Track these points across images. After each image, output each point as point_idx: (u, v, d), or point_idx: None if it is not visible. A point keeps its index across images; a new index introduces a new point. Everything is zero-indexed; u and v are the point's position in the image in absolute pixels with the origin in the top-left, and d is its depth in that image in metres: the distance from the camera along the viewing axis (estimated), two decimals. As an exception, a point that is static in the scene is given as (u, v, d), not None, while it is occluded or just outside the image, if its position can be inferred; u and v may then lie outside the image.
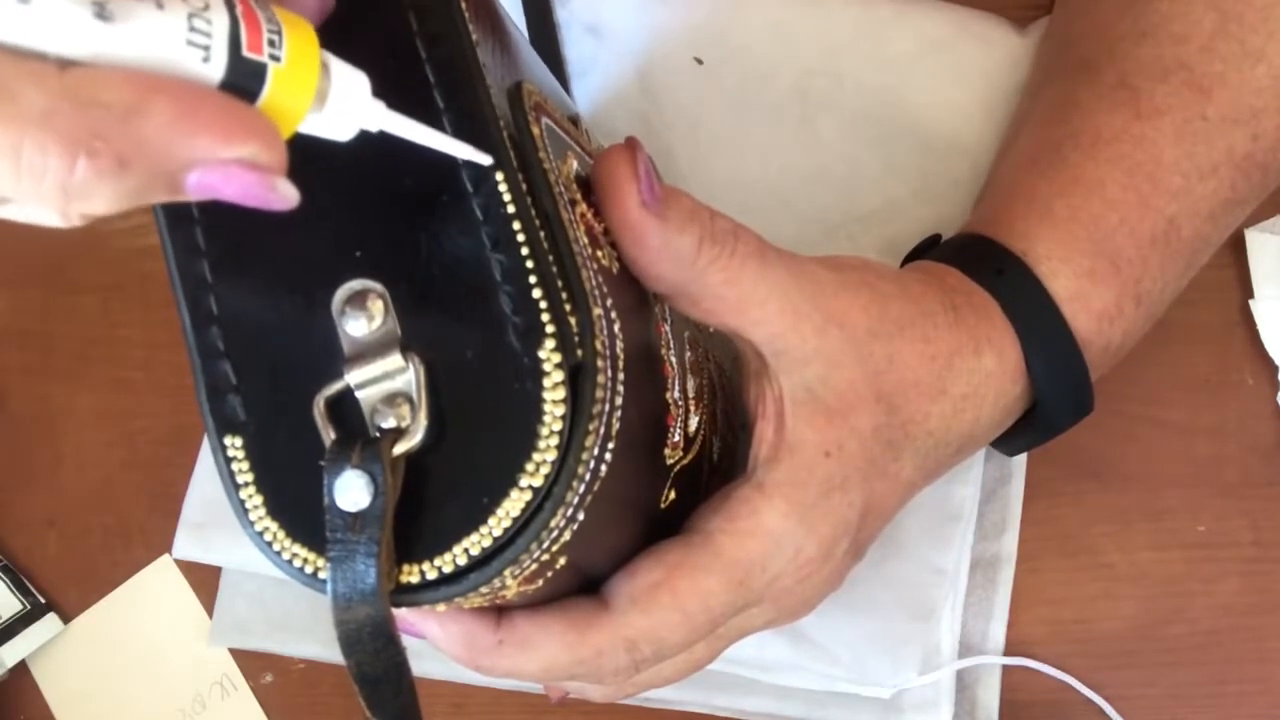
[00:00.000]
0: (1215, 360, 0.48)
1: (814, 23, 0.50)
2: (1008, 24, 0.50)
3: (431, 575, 0.26)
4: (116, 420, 0.54)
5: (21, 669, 0.52)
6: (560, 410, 0.26)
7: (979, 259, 0.39)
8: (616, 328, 0.28)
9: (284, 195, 0.22)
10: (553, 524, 0.26)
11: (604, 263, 0.29)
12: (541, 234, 0.26)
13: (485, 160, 0.26)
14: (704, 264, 0.32)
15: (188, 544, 0.51)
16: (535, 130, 0.29)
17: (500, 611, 0.32)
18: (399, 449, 0.26)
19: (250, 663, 0.51)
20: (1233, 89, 0.39)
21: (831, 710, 0.46)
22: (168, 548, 0.52)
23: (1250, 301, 0.47)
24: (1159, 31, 0.40)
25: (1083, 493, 0.48)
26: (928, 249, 0.43)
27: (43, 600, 0.53)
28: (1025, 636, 0.47)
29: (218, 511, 0.50)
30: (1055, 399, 0.39)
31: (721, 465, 0.39)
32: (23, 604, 0.52)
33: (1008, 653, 0.47)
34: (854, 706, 0.46)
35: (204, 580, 0.52)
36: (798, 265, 0.34)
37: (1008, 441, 0.42)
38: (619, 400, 0.27)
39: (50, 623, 0.52)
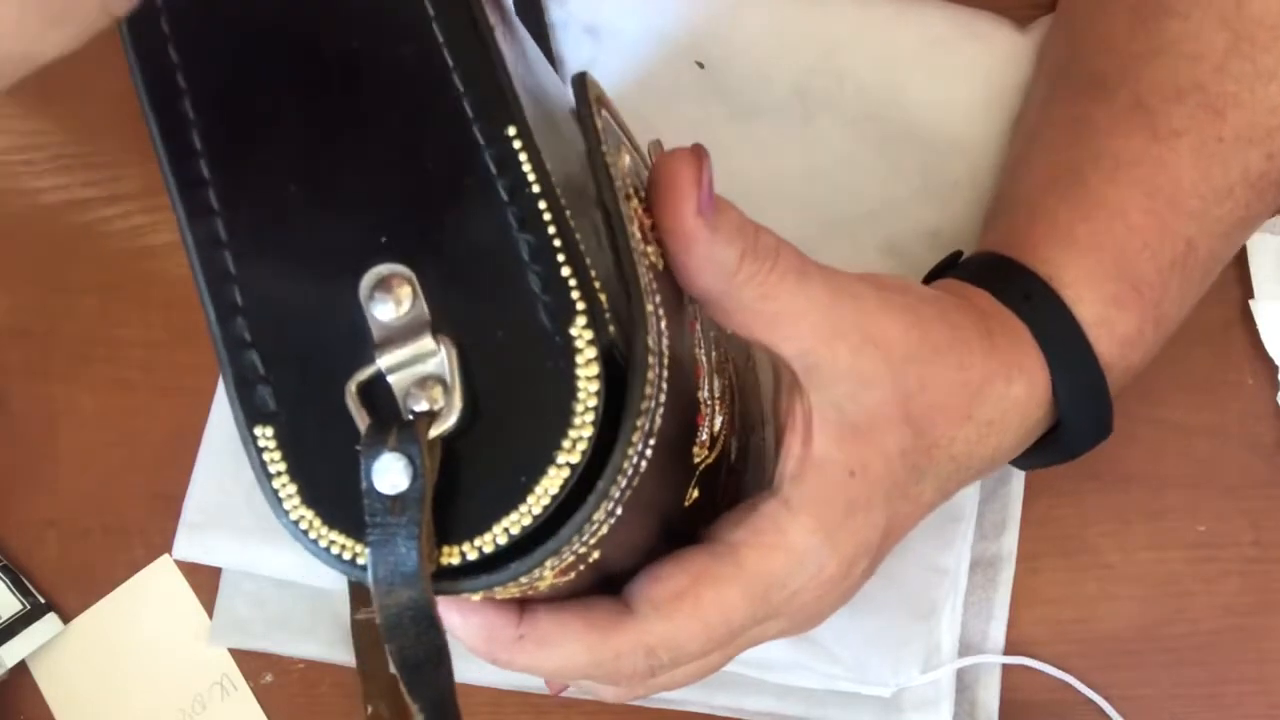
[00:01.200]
0: (1215, 360, 0.48)
1: (814, 23, 0.50)
2: (1008, 23, 0.50)
3: (472, 556, 0.26)
4: (116, 420, 0.54)
5: (21, 669, 0.52)
6: (594, 386, 0.26)
7: (1006, 281, 0.39)
8: (663, 324, 0.28)
9: None
10: (596, 516, 0.26)
11: (652, 259, 0.30)
12: (567, 212, 0.26)
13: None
14: (743, 278, 0.32)
15: (188, 544, 0.50)
16: (597, 123, 0.29)
17: (522, 607, 0.32)
18: (434, 431, 0.26)
19: (250, 663, 0.51)
20: (1247, 109, 0.39)
21: (831, 709, 0.46)
22: (168, 548, 0.52)
23: (1250, 301, 0.47)
24: (1172, 51, 0.40)
25: (1083, 493, 0.48)
26: (949, 266, 0.43)
27: (43, 600, 0.52)
28: (1025, 636, 0.47)
29: (218, 512, 0.50)
30: (1078, 424, 0.39)
31: (737, 466, 0.39)
32: (23, 604, 0.52)
33: (1008, 652, 0.47)
34: (854, 706, 0.46)
35: (204, 580, 0.52)
36: (838, 282, 0.34)
37: (1024, 460, 0.41)
38: (663, 397, 0.27)
39: (50, 623, 0.52)
